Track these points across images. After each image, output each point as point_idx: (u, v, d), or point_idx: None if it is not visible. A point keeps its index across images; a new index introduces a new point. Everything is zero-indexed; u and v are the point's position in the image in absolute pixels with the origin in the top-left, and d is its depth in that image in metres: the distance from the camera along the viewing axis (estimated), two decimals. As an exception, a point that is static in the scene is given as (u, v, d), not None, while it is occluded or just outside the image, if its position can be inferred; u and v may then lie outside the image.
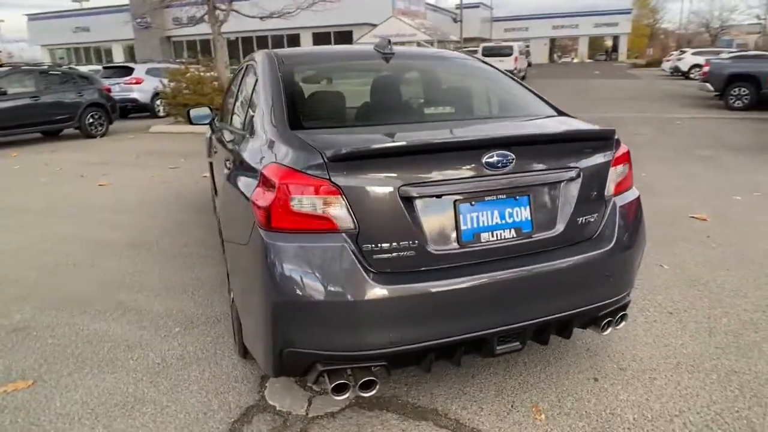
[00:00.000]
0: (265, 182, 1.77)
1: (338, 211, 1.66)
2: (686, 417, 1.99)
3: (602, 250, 1.94)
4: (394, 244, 1.70)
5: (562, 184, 1.90)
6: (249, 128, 2.31)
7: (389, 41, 2.63)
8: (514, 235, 1.84)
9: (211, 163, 4.35)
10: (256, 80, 2.53)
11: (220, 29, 12.28)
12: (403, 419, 2.02)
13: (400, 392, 2.18)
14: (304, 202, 1.66)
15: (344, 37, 37.64)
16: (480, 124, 2.35)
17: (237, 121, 2.97)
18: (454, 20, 34.49)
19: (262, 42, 33.94)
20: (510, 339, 1.86)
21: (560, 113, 2.37)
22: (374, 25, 33.13)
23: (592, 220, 1.98)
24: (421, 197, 1.71)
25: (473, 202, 1.78)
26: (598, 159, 1.97)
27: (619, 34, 53.61)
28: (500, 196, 1.81)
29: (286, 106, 2.09)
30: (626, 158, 2.09)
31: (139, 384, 2.29)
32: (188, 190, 5.95)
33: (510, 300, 1.80)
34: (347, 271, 1.65)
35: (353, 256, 1.65)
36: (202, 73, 11.87)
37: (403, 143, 1.84)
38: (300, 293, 1.66)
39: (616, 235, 1.99)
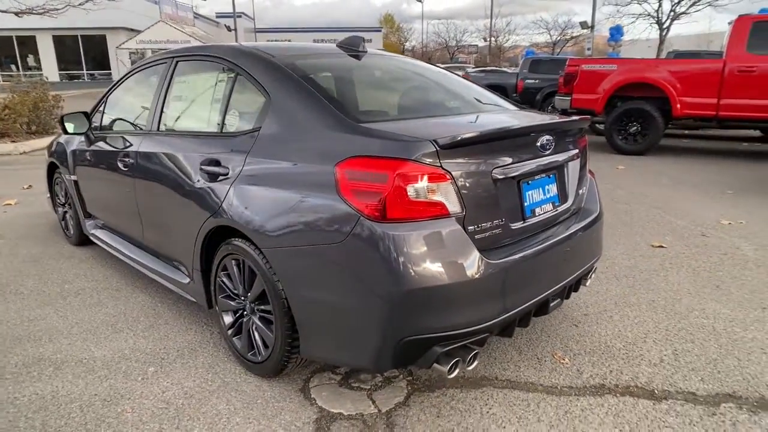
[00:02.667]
0: (362, 175, 1.73)
1: (449, 197, 1.75)
2: (652, 337, 2.62)
3: (594, 217, 2.41)
4: (489, 223, 1.87)
5: (571, 163, 2.31)
6: (255, 127, 2.15)
7: (363, 39, 2.71)
8: (550, 208, 2.18)
9: (75, 181, 3.66)
10: (236, 78, 2.35)
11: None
12: (466, 390, 2.17)
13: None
14: (420, 190, 1.70)
15: (95, 42, 33.15)
16: (500, 114, 2.54)
17: (192, 123, 2.67)
18: (228, 29, 33.49)
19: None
20: (554, 297, 2.18)
21: (519, 106, 2.77)
22: (134, 30, 30.04)
23: (582, 193, 2.44)
24: (504, 179, 1.91)
25: (530, 181, 2.05)
26: (581, 142, 2.44)
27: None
28: (542, 175, 2.13)
29: (330, 102, 2.02)
30: (586, 141, 2.62)
31: (167, 434, 1.92)
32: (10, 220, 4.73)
33: (558, 263, 2.13)
34: (464, 252, 1.75)
35: (467, 238, 1.76)
36: None
37: (497, 129, 2.01)
38: (425, 279, 1.69)
39: (598, 204, 2.50)
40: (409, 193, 1.70)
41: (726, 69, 7.51)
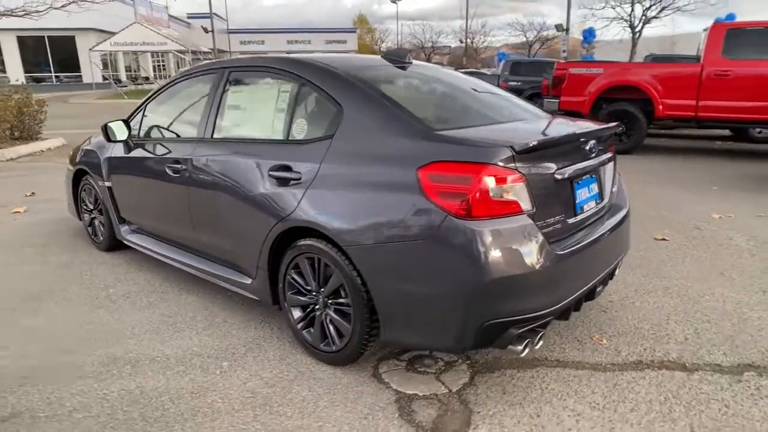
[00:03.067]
0: (446, 178, 1.95)
1: (523, 196, 1.98)
2: (673, 319, 2.91)
3: (625, 213, 2.68)
4: (552, 219, 2.11)
5: (607, 164, 2.57)
6: (327, 135, 2.34)
7: (409, 51, 2.92)
8: (594, 205, 2.43)
9: (109, 187, 3.76)
10: (300, 88, 2.53)
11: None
12: (523, 370, 2.41)
13: (499, 354, 2.54)
14: (499, 190, 1.93)
15: (63, 43, 32.36)
16: (554, 121, 2.76)
17: (254, 132, 2.87)
18: (206, 30, 33.08)
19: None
20: (599, 285, 2.44)
21: (555, 114, 3.04)
22: (104, 32, 29.46)
23: (614, 191, 2.71)
24: (562, 179, 2.15)
25: (579, 181, 2.30)
26: (611, 146, 2.71)
27: (348, 50, 59.37)
28: (588, 176, 2.38)
29: (402, 111, 2.23)
30: (614, 145, 2.89)
31: (279, 418, 2.09)
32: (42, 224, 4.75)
33: (603, 254, 2.39)
34: (536, 245, 1.99)
35: (538, 232, 2.00)
36: None
37: (562, 135, 2.25)
38: (505, 270, 1.92)
39: (627, 201, 2.77)
40: (491, 194, 1.92)
41: (704, 73, 8.00)
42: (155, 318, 3.01)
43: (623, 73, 8.52)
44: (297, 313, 2.56)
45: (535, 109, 2.95)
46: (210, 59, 5.57)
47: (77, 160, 4.19)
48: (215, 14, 50.34)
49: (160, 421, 2.10)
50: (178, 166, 3.05)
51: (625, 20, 25.94)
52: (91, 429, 2.06)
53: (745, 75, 7.81)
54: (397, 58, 2.89)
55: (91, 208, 4.17)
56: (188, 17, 47.85)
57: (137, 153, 3.49)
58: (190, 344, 2.71)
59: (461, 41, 47.74)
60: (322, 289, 2.40)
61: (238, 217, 2.71)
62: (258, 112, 2.91)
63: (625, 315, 2.96)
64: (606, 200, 2.57)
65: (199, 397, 2.26)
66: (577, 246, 2.17)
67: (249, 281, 2.77)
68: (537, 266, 1.98)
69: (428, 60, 55.37)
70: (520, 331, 2.02)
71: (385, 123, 2.22)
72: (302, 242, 2.40)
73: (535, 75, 13.98)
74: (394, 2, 49.93)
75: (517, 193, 1.97)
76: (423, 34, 59.84)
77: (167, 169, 3.12)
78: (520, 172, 1.97)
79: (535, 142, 1.99)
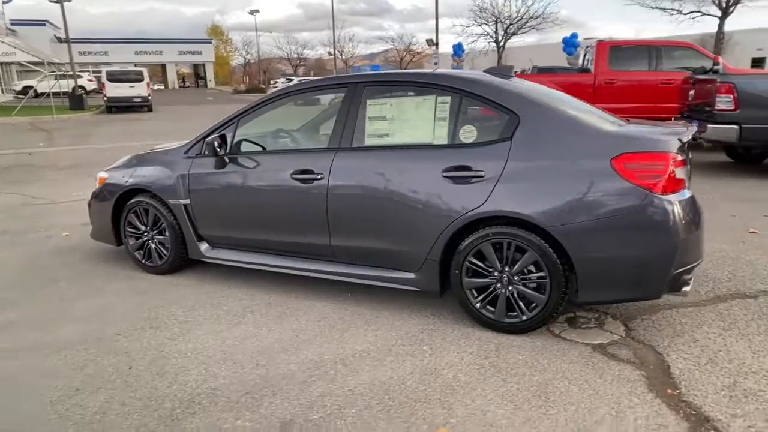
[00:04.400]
0: (641, 165, 2.52)
1: (685, 174, 2.63)
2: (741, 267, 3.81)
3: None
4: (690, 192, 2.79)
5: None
6: (510, 137, 2.76)
7: (512, 67, 3.41)
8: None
9: (185, 205, 3.69)
10: (461, 99, 2.91)
11: None
12: (652, 313, 3.06)
13: (635, 305, 3.17)
14: (678, 171, 2.55)
15: None
16: (645, 124, 3.26)
17: (409, 138, 3.13)
18: (60, 40, 29.25)
19: None
20: None
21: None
22: None
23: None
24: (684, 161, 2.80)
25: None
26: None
27: (204, 62, 56.78)
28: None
29: (575, 115, 2.75)
30: None
31: (521, 378, 2.44)
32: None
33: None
34: (697, 210, 2.66)
35: (695, 201, 2.66)
36: None
37: (690, 133, 2.85)
38: (688, 230, 2.56)
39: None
40: (675, 174, 2.53)
41: (596, 81, 9.69)
42: (306, 325, 3.09)
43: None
44: (475, 294, 2.91)
45: (612, 117, 3.65)
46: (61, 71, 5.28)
47: (126, 182, 3.92)
48: (48, 22, 44.76)
49: (431, 398, 2.34)
50: (311, 175, 3.17)
51: (491, 36, 29.92)
52: (379, 418, 2.22)
53: (627, 82, 9.66)
54: (504, 73, 3.36)
55: (144, 230, 3.93)
56: (12, 24, 41.79)
57: (233, 167, 3.48)
58: (372, 339, 2.89)
59: (329, 53, 48.76)
60: (506, 269, 2.80)
61: (403, 217, 2.96)
62: (411, 122, 3.16)
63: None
64: (690, 189, 3.28)
65: (436, 376, 2.51)
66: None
67: (410, 275, 3.04)
68: (699, 226, 2.64)
69: (294, 71, 55.55)
70: (686, 276, 2.66)
71: (570, 126, 2.72)
72: (490, 230, 2.77)
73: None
74: (252, 14, 49.15)
75: (684, 173, 2.62)
76: (288, 45, 59.79)
77: (292, 180, 3.22)
78: (683, 158, 2.62)
79: (688, 137, 2.65)
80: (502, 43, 29.73)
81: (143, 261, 4.00)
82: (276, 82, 34.30)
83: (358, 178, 3.09)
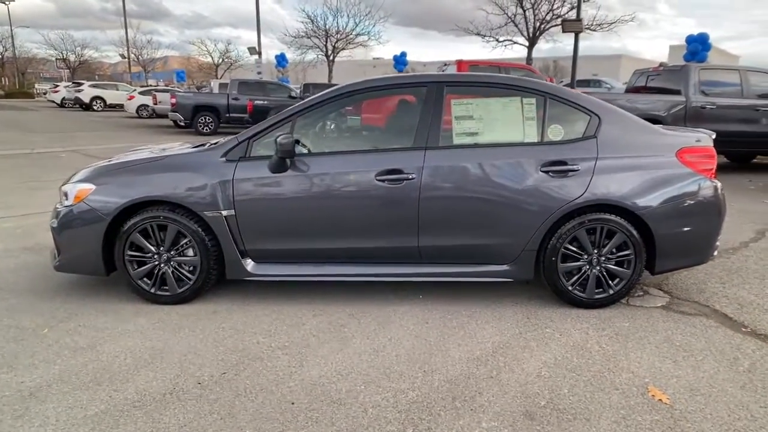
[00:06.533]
0: (698, 157, 3.19)
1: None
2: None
3: None
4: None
5: None
6: (590, 136, 3.18)
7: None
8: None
9: (227, 217, 3.26)
10: (546, 102, 3.24)
11: None
12: (687, 285, 3.80)
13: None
14: (714, 162, 3.29)
15: None
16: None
17: (502, 137, 3.29)
18: None
19: None
20: None
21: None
22: None
23: None
24: None
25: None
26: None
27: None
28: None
29: (639, 117, 3.29)
30: None
31: (636, 342, 2.83)
32: None
33: None
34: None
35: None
36: None
37: (711, 134, 3.57)
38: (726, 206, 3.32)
39: None
40: (714, 165, 3.26)
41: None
42: (417, 328, 3.01)
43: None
44: (567, 278, 3.23)
45: None
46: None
47: (128, 194, 3.16)
48: None
49: (608, 366, 2.58)
50: (401, 176, 3.10)
51: (322, 50, 30.79)
52: (594, 386, 2.37)
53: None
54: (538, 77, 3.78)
55: (154, 252, 3.23)
56: None
57: (297, 171, 3.15)
58: (492, 333, 2.97)
59: (122, 56, 42.87)
60: (595, 251, 3.19)
61: (502, 212, 3.12)
62: (499, 121, 3.28)
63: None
64: None
65: (586, 350, 2.76)
66: None
67: (504, 267, 3.22)
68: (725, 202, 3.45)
69: (73, 74, 47.43)
70: (718, 243, 3.43)
71: (641, 126, 3.26)
72: (586, 217, 3.13)
73: (265, 93, 15.38)
74: (5, 3, 40.58)
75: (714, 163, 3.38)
76: (64, 44, 49.95)
77: (377, 181, 3.10)
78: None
79: (714, 135, 3.43)
80: (332, 57, 30.75)
81: (152, 290, 3.27)
82: (57, 88, 28.74)
83: (453, 177, 3.14)
